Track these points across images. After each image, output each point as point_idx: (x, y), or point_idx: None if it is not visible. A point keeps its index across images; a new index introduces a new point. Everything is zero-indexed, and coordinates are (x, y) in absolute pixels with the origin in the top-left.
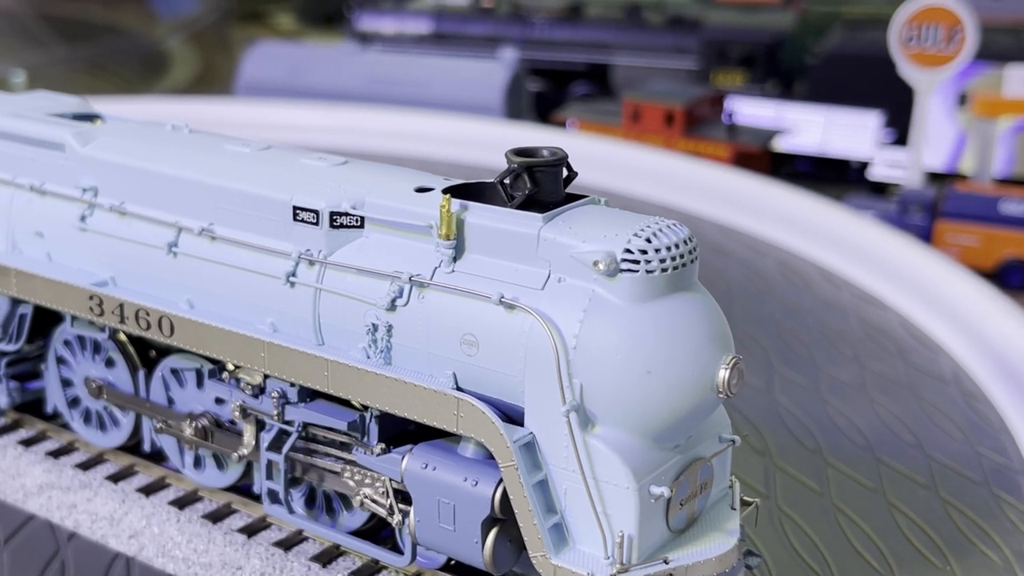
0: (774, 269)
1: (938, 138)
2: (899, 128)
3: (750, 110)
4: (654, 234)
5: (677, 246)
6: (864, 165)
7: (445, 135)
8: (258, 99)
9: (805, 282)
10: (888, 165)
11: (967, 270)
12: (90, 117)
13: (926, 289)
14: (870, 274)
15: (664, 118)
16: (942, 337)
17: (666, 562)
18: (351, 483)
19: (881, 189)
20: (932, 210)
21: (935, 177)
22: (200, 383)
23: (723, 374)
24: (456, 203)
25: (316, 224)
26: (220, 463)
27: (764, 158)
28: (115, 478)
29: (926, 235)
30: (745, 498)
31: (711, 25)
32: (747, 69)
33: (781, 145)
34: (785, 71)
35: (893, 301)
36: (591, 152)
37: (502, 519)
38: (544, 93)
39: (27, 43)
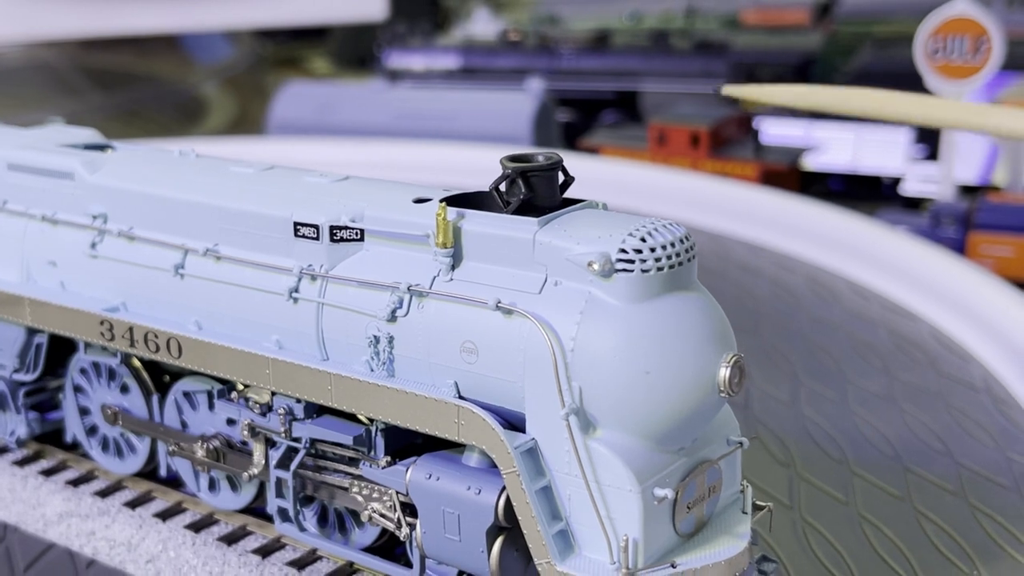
0: (802, 284)
1: (969, 151)
2: (930, 143)
3: (780, 130)
4: (649, 234)
5: (673, 245)
6: (896, 181)
7: (473, 166)
8: (289, 138)
9: (834, 296)
10: (921, 180)
11: (997, 278)
12: (101, 147)
13: (956, 299)
14: (899, 286)
15: (689, 140)
16: (973, 346)
17: (674, 566)
18: (359, 498)
19: (915, 204)
20: (965, 222)
21: (968, 190)
22: (212, 405)
23: (724, 372)
24: (452, 211)
25: (317, 239)
26: (234, 485)
27: (793, 176)
28: (133, 504)
29: (960, 247)
30: (757, 502)
31: (739, 48)
32: None
33: (812, 163)
34: None
35: (922, 312)
36: (618, 176)
37: (508, 528)
38: (574, 123)
39: (65, 93)
